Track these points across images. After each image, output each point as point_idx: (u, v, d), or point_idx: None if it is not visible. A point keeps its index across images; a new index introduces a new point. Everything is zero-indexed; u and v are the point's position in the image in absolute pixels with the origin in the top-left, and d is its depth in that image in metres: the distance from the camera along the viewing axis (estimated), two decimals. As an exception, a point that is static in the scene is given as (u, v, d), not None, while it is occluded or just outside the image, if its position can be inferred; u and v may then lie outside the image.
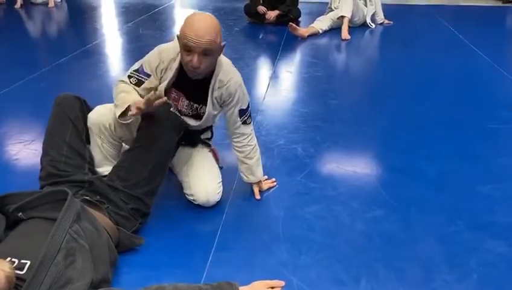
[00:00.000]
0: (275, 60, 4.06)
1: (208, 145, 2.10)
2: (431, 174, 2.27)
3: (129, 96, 1.75)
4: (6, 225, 1.45)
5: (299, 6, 5.34)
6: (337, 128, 2.77)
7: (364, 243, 1.80)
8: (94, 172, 1.87)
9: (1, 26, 5.41)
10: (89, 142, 1.95)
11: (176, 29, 5.15)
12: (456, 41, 4.66)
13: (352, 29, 4.89)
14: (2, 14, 5.81)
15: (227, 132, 2.02)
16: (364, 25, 5.15)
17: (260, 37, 4.96)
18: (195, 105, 1.88)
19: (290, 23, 4.72)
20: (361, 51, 4.69)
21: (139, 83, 1.81)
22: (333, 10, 5.04)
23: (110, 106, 1.92)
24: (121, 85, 1.83)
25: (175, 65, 1.79)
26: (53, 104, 1.87)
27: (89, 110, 1.93)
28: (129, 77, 1.83)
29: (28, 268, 1.27)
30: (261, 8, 5.13)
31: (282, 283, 1.53)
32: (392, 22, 5.31)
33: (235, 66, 1.90)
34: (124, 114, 1.74)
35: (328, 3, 5.23)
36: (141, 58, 1.87)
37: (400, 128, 2.77)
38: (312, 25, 4.90)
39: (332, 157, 2.45)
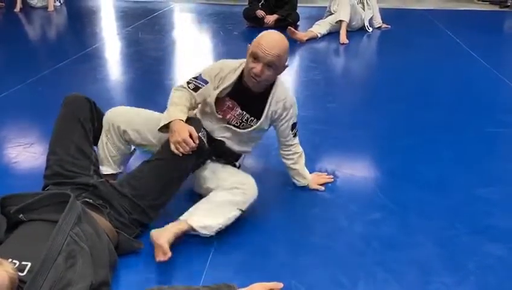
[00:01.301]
0: (273, 64, 4.06)
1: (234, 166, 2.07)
2: (429, 178, 2.28)
3: (173, 112, 1.78)
4: (7, 226, 1.45)
5: (298, 10, 5.37)
6: (335, 131, 2.78)
7: (362, 245, 1.81)
8: (99, 174, 1.88)
9: (0, 29, 5.42)
10: (96, 144, 1.98)
11: (175, 34, 5.16)
12: (454, 46, 4.67)
13: (350, 33, 4.91)
14: (1, 17, 5.82)
15: (278, 147, 2.10)
16: (362, 29, 5.17)
17: (259, 41, 4.96)
18: (246, 116, 1.94)
19: (289, 27, 4.74)
20: (360, 55, 4.71)
21: (196, 89, 1.89)
22: (332, 14, 5.06)
23: (130, 109, 2.03)
24: (175, 94, 1.88)
25: (233, 76, 1.88)
26: (62, 103, 1.88)
27: (99, 112, 1.97)
28: (188, 83, 1.91)
29: (29, 270, 1.27)
30: (260, 12, 5.14)
31: (281, 285, 1.54)
32: (389, 26, 5.34)
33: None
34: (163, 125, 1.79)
35: (326, 7, 5.25)
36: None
37: (399, 132, 2.78)
38: (311, 29, 4.91)
39: (330, 161, 2.46)
